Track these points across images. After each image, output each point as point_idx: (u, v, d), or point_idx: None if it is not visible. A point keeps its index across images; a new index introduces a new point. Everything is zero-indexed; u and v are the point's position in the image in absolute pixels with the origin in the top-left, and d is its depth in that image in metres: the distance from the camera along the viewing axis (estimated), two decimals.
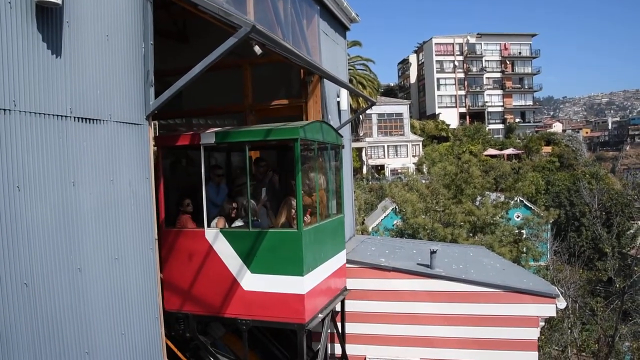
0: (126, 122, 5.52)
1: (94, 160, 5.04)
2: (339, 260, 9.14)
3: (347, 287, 9.63)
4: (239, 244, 7.45)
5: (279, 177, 9.23)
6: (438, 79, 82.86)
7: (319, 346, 8.50)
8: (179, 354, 8.30)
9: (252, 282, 7.41)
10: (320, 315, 7.87)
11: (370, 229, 32.54)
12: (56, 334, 4.50)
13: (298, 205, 7.18)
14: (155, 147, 7.85)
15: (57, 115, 4.62)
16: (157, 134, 13.78)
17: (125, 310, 5.38)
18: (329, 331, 8.89)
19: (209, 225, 7.59)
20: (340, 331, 9.69)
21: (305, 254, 7.25)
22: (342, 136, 9.58)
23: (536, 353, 9.45)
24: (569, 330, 21.61)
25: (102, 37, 5.25)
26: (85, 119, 4.96)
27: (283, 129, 7.43)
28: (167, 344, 8.08)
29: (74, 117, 4.81)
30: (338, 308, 9.51)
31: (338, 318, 9.69)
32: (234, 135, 7.71)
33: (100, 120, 5.13)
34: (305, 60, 7.58)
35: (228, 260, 7.48)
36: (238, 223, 7.86)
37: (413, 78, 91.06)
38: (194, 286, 7.70)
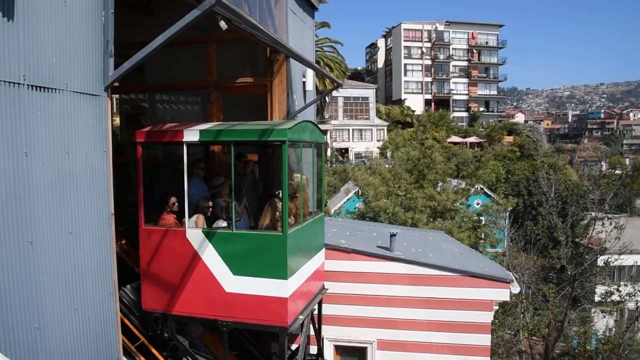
0: (83, 93, 5.34)
1: (48, 130, 4.87)
2: (319, 259, 9.09)
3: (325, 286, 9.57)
4: (221, 245, 7.32)
5: (260, 171, 9.12)
6: (405, 65, 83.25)
7: (297, 346, 8.50)
8: (157, 354, 8.23)
9: (234, 283, 7.31)
10: (301, 317, 7.81)
11: (332, 212, 32.70)
12: (4, 309, 4.37)
13: (284, 207, 7.07)
14: (137, 144, 7.61)
15: (9, 82, 4.43)
16: (119, 109, 13.51)
17: (78, 285, 5.26)
18: (308, 332, 8.83)
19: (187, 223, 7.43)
20: (316, 331, 9.60)
21: (289, 258, 7.17)
22: (324, 133, 9.48)
23: (489, 336, 9.70)
24: (522, 315, 22.23)
25: (59, 3, 5.05)
26: (40, 87, 4.77)
27: (271, 130, 7.24)
28: (144, 343, 8.04)
29: (27, 85, 4.63)
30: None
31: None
32: (219, 134, 7.50)
33: (55, 89, 4.95)
34: (271, 38, 7.47)
35: (210, 261, 7.35)
36: (222, 224, 7.68)
37: (380, 63, 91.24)
38: (173, 286, 7.54)
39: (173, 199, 7.75)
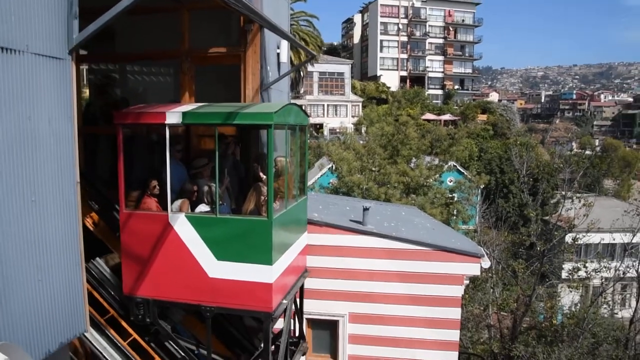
0: (46, 55, 5.10)
1: (8, 93, 4.64)
2: (301, 242, 8.98)
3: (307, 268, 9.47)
4: (204, 230, 7.17)
5: (242, 154, 8.93)
6: (381, 41, 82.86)
7: (280, 328, 8.42)
8: (127, 326, 8.10)
9: (217, 269, 7.18)
10: (284, 301, 7.73)
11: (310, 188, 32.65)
12: None
13: (269, 192, 6.92)
14: (116, 126, 7.33)
15: None
16: (88, 79, 13.12)
17: (42, 256, 5.09)
18: (291, 315, 8.76)
19: (170, 208, 7.25)
20: (298, 313, 9.53)
21: (274, 243, 7.06)
22: (309, 116, 9.32)
23: (459, 309, 9.82)
24: (491, 290, 22.63)
25: None
26: None
27: (256, 113, 7.09)
28: (124, 327, 7.90)
29: None
30: None
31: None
32: (202, 117, 7.30)
33: (15, 50, 4.70)
34: (245, 6, 7.26)
35: (193, 246, 7.20)
36: (204, 208, 7.52)
37: (357, 38, 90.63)
38: (155, 271, 7.39)
39: (154, 182, 7.56)
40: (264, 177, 7.85)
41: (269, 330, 7.41)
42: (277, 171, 7.83)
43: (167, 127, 7.12)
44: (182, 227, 7.21)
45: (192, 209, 7.50)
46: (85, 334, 7.36)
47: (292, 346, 9.09)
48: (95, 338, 7.65)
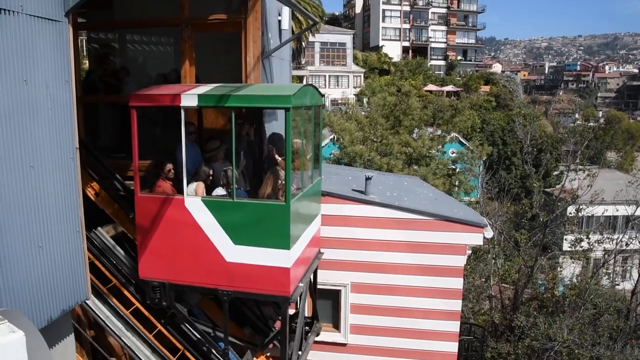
0: (42, 17, 4.95)
1: (3, 55, 4.52)
2: (316, 224, 8.89)
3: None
4: (221, 215, 7.06)
5: (256, 135, 8.81)
6: (384, 11, 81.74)
7: (294, 311, 8.38)
8: (130, 296, 8.08)
9: (234, 253, 7.11)
10: (301, 284, 7.67)
11: (307, 158, 32.52)
12: None
13: (287, 176, 6.79)
14: (131, 108, 7.17)
15: None
16: (87, 48, 12.92)
17: (42, 223, 5.03)
18: (307, 298, 8.72)
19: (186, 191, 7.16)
20: (313, 294, 9.49)
21: (292, 227, 6.99)
22: (323, 95, 9.11)
23: (462, 279, 9.81)
24: (493, 261, 22.71)
25: None
26: None
27: (274, 96, 6.95)
28: (140, 310, 7.84)
29: None
30: None
31: None
32: (219, 99, 7.08)
33: (9, 10, 4.56)
34: None
35: (209, 230, 7.11)
36: (220, 192, 7.39)
37: (358, 8, 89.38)
38: (171, 255, 7.34)
39: (169, 166, 7.45)
40: (280, 159, 7.79)
41: (286, 314, 7.38)
42: (292, 153, 7.72)
43: (182, 110, 6.97)
44: (199, 211, 7.11)
45: (208, 192, 7.40)
46: (88, 302, 7.38)
47: (305, 326, 9.10)
48: (97, 307, 7.65)
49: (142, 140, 7.36)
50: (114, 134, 10.35)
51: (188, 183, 7.24)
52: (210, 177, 7.50)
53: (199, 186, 7.31)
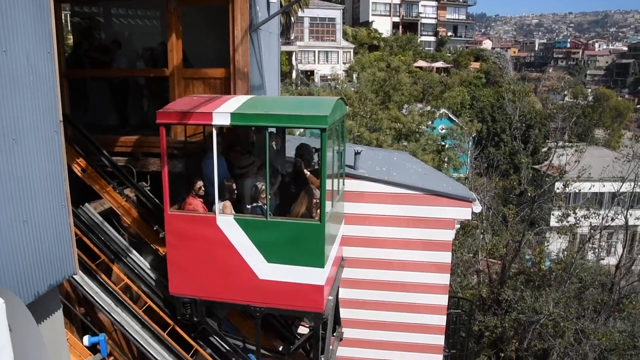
0: None
1: None
2: (341, 231, 8.87)
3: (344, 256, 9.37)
4: (255, 233, 7.03)
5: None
6: None
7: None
8: (118, 272, 8.13)
9: (268, 271, 7.10)
10: (331, 297, 7.67)
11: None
12: None
13: (322, 196, 6.73)
14: (159, 125, 7.02)
15: None
16: (71, 21, 12.68)
17: (27, 196, 4.95)
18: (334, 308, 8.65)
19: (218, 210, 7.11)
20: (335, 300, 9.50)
21: (326, 246, 6.99)
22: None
23: (450, 253, 9.86)
24: (481, 236, 22.92)
25: None
26: None
27: (309, 116, 6.77)
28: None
29: None
30: None
31: None
32: (252, 119, 6.92)
33: None
34: None
35: (242, 248, 7.08)
36: (249, 206, 7.41)
37: None
38: (202, 272, 7.31)
39: (199, 183, 7.39)
40: (308, 173, 7.82)
41: (319, 329, 7.40)
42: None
43: (214, 129, 6.84)
44: (231, 229, 7.06)
45: (235, 207, 7.37)
46: (76, 277, 7.37)
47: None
48: (86, 283, 7.64)
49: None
50: (102, 110, 10.21)
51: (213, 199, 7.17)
52: (235, 192, 7.46)
53: (225, 206, 7.26)
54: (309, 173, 7.90)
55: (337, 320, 9.50)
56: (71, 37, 12.90)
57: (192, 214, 7.25)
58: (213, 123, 6.80)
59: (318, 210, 6.95)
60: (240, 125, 7.10)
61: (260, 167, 7.77)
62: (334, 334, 9.30)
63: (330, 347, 8.50)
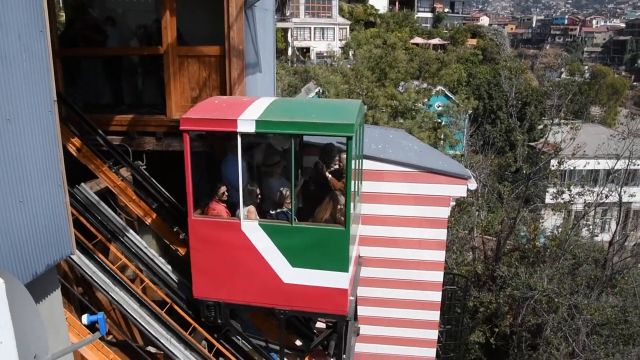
0: None
1: None
2: (359, 230, 8.91)
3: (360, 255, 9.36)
4: (279, 238, 7.07)
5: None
6: None
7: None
8: (115, 250, 8.18)
9: (292, 275, 7.15)
10: (352, 298, 7.69)
11: None
12: None
13: (347, 202, 6.76)
14: (183, 132, 6.96)
15: None
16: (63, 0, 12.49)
17: (22, 177, 4.95)
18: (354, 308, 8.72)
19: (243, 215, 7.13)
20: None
21: (350, 251, 7.07)
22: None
23: (445, 230, 9.91)
24: (477, 213, 23.04)
25: None
26: None
27: (335, 124, 6.71)
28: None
29: None
30: None
31: None
32: (277, 126, 6.88)
33: None
34: None
35: (267, 253, 7.11)
36: (273, 212, 7.44)
37: None
38: (226, 276, 7.34)
39: (223, 189, 7.38)
40: (330, 176, 7.82)
41: (343, 331, 7.50)
42: (342, 169, 7.74)
43: (239, 136, 6.81)
44: (256, 234, 7.10)
45: (259, 208, 7.40)
46: (74, 258, 7.39)
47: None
48: (84, 262, 7.66)
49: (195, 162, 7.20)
50: (97, 89, 10.14)
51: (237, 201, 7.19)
52: (259, 196, 7.48)
53: (250, 211, 7.27)
54: (330, 176, 7.91)
55: (354, 316, 9.65)
56: (63, 14, 12.73)
57: (216, 219, 7.28)
58: (238, 130, 6.79)
59: (342, 215, 7.04)
60: (265, 132, 7.10)
61: (284, 168, 7.82)
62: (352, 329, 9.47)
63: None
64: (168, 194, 8.76)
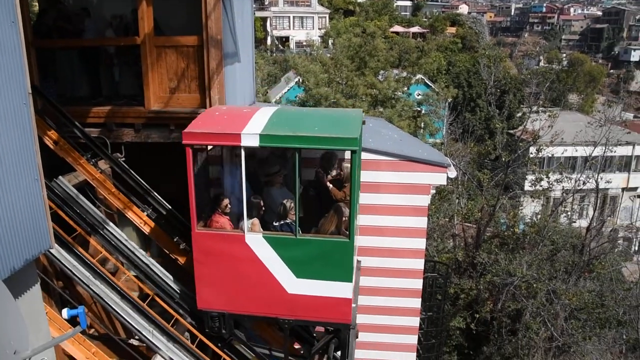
0: None
1: None
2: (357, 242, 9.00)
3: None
4: (284, 250, 7.15)
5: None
6: None
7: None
8: (95, 243, 8.13)
9: (296, 286, 7.24)
10: (354, 305, 7.76)
11: (273, 101, 32.17)
12: None
13: (352, 215, 6.86)
14: (186, 146, 6.96)
15: None
16: None
17: None
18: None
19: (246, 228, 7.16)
20: None
21: (353, 261, 7.22)
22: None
23: (426, 218, 9.97)
24: (457, 201, 23.24)
25: None
26: None
27: (339, 138, 6.74)
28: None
29: None
30: None
31: None
32: (282, 140, 6.89)
33: None
34: None
35: (271, 265, 7.17)
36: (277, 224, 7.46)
37: None
38: (231, 287, 7.39)
39: (226, 201, 7.40)
40: (331, 185, 7.85)
41: (347, 340, 7.58)
42: (343, 178, 7.88)
43: (242, 150, 6.83)
44: (260, 247, 7.16)
45: (261, 221, 7.42)
46: (53, 252, 7.31)
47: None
48: (63, 256, 7.58)
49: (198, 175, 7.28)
50: (73, 80, 9.97)
51: (239, 211, 7.24)
52: (262, 208, 7.52)
53: (254, 224, 7.30)
54: (331, 185, 7.93)
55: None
56: (37, 4, 12.47)
57: (220, 232, 7.31)
58: (242, 145, 6.82)
59: (345, 227, 7.13)
60: (269, 146, 7.15)
61: (285, 177, 7.90)
62: None
63: None
64: (165, 202, 8.80)
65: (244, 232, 7.17)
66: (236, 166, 7.40)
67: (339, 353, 8.04)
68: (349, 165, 7.75)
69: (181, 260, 8.50)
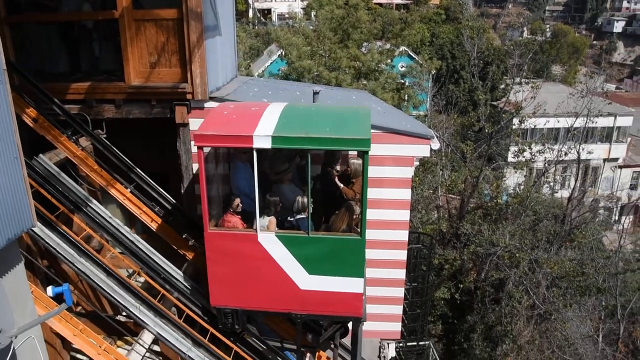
0: None
1: None
2: None
3: None
4: (296, 248, 7.22)
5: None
6: None
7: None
8: (79, 221, 8.09)
9: (309, 282, 7.34)
10: (364, 297, 7.80)
11: (255, 75, 31.85)
12: None
13: (363, 213, 6.89)
14: (198, 148, 6.93)
15: None
16: None
17: None
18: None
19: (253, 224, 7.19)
20: None
21: (365, 258, 7.34)
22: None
23: (410, 190, 10.01)
24: (441, 172, 23.39)
25: None
26: None
27: (351, 139, 6.79)
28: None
29: None
30: None
31: None
32: (294, 141, 6.86)
33: None
34: None
35: (284, 262, 7.27)
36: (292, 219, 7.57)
37: None
38: (244, 284, 7.45)
39: (237, 201, 7.42)
40: (341, 185, 7.91)
41: (357, 333, 7.73)
42: (351, 174, 7.92)
43: (255, 151, 6.81)
44: (273, 245, 7.24)
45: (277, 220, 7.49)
46: (36, 230, 7.27)
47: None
48: (47, 234, 7.53)
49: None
50: (51, 56, 9.78)
51: (249, 209, 7.29)
52: (280, 205, 7.56)
53: (271, 223, 7.37)
54: (341, 185, 7.98)
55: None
56: None
57: (232, 231, 7.36)
58: (254, 147, 6.82)
59: (357, 225, 7.23)
60: (281, 147, 7.09)
61: (293, 174, 8.01)
62: None
63: None
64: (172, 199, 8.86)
65: (256, 232, 7.25)
66: (247, 165, 7.53)
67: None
68: (354, 161, 7.96)
69: (189, 256, 8.71)
